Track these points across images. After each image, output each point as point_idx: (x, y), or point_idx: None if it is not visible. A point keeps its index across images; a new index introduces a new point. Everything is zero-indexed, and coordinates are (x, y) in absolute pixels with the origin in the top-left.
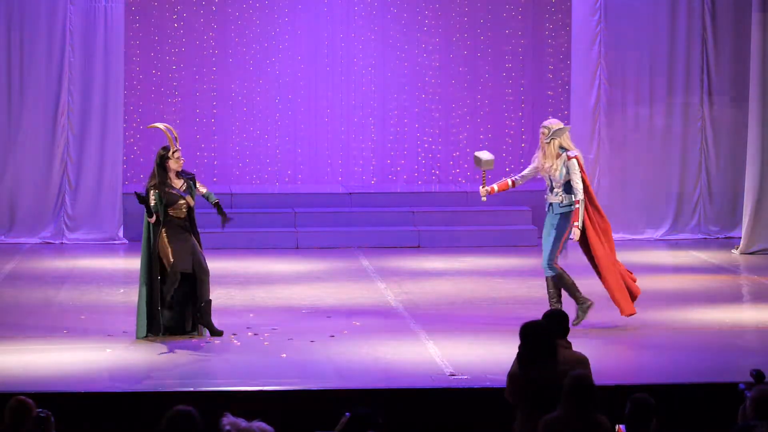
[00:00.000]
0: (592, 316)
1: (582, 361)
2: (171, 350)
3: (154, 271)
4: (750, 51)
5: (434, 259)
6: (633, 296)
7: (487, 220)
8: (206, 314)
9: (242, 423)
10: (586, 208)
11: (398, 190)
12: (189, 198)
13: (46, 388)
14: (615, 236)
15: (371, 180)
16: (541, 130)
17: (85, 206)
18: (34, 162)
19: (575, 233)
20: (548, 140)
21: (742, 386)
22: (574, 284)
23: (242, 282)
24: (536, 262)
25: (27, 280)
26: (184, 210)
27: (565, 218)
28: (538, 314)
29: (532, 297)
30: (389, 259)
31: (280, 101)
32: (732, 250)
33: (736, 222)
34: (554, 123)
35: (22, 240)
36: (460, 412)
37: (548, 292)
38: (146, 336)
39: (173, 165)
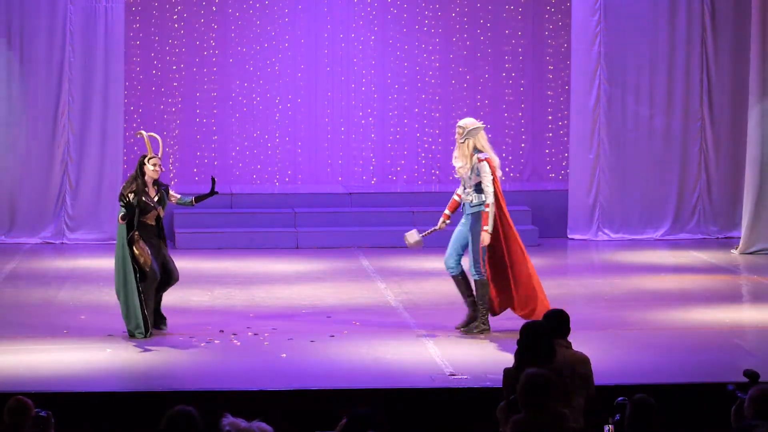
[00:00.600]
0: (593, 316)
1: (583, 361)
2: (171, 350)
3: (131, 273)
4: (750, 51)
5: (434, 259)
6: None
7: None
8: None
9: (242, 423)
10: (495, 213)
11: (398, 190)
12: (160, 209)
13: (46, 388)
14: (615, 236)
15: (371, 180)
16: (457, 129)
17: (86, 206)
18: (34, 162)
19: (484, 238)
20: (463, 140)
21: (731, 387)
22: (489, 301)
23: (242, 282)
24: (536, 262)
25: (27, 280)
26: (154, 219)
27: (476, 219)
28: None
29: None
30: (389, 259)
31: (280, 101)
32: (732, 250)
33: (736, 222)
34: (470, 122)
35: (22, 240)
36: (460, 412)
37: (473, 293)
38: (146, 335)
39: (149, 172)
